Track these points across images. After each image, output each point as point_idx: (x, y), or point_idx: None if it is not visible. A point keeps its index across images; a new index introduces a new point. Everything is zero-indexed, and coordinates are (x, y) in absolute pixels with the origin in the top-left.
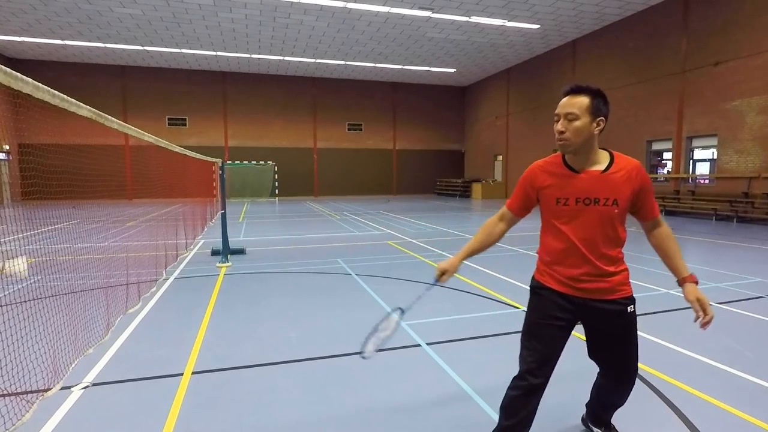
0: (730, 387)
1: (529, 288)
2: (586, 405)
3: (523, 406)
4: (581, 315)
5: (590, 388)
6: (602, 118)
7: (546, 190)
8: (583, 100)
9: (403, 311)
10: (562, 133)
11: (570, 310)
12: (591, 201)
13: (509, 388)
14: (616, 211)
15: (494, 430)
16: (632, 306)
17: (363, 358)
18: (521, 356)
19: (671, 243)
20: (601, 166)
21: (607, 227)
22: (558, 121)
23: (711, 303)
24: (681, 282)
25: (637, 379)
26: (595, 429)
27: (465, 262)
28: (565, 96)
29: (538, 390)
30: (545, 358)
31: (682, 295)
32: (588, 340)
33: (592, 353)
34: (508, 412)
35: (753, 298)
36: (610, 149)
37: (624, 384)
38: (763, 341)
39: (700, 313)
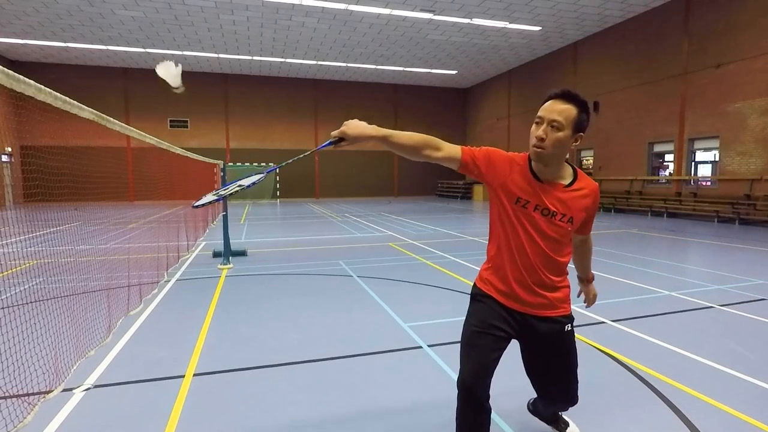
0: (732, 389)
1: (469, 295)
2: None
3: (469, 417)
4: (519, 330)
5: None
6: (581, 134)
7: (509, 184)
8: (571, 111)
9: None
10: (541, 140)
11: (509, 322)
12: (549, 213)
13: (457, 399)
14: (569, 228)
15: None
16: (570, 325)
17: None
18: (460, 365)
19: (590, 251)
20: (565, 181)
21: (556, 241)
22: (539, 125)
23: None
24: (587, 280)
25: (639, 381)
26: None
27: (464, 262)
28: (551, 99)
29: (477, 399)
30: (482, 368)
31: (684, 297)
32: (524, 360)
33: (530, 373)
34: (458, 424)
35: (755, 300)
36: (573, 164)
37: (562, 405)
38: (765, 343)
39: (589, 303)
